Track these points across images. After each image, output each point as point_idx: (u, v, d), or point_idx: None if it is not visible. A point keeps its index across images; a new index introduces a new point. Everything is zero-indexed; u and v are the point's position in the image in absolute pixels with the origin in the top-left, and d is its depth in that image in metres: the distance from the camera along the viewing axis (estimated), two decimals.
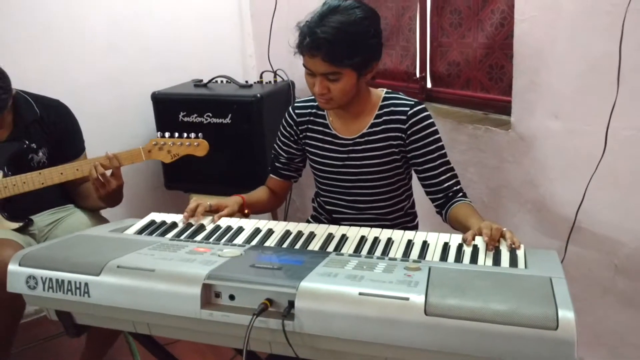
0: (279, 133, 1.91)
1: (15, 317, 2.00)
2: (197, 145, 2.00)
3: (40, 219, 2.14)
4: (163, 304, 1.21)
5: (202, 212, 1.65)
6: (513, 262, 1.30)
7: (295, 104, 1.89)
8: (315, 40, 1.54)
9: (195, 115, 2.68)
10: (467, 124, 2.23)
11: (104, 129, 2.77)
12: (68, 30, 2.70)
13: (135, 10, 2.87)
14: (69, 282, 1.27)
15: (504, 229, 1.42)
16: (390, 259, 1.31)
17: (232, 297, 1.20)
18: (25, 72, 2.50)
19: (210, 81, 2.88)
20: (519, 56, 2.00)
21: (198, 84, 2.88)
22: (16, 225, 2.04)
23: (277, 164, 1.94)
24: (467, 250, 1.37)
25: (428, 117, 1.73)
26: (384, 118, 1.74)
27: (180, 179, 2.84)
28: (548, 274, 1.19)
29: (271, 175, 1.97)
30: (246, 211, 1.81)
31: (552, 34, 1.89)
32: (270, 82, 2.88)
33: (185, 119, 2.70)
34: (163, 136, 2.02)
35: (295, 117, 1.86)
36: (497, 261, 1.31)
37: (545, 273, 1.20)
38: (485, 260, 1.32)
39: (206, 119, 2.68)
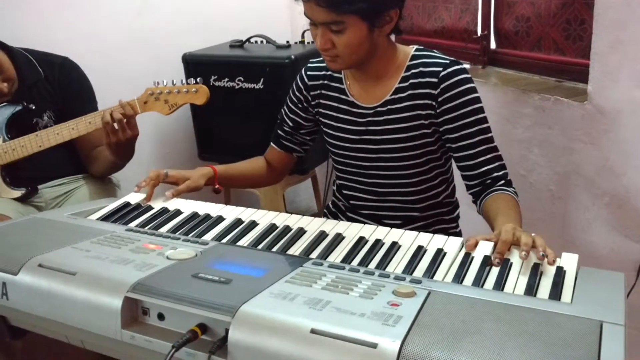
0: (287, 97, 1.61)
1: None
2: (195, 92, 1.75)
3: (49, 191, 1.97)
4: (81, 317, 0.96)
5: (152, 184, 1.43)
6: (555, 291, 0.92)
7: (309, 65, 1.57)
8: None
9: (227, 79, 2.43)
10: (534, 93, 1.80)
11: (132, 93, 2.56)
12: None
13: None
14: None
15: (537, 239, 1.02)
16: (382, 274, 0.97)
17: (161, 317, 0.93)
18: (51, 31, 2.38)
19: (246, 41, 2.59)
20: (601, 5, 1.55)
21: (234, 44, 2.60)
22: (18, 193, 1.89)
23: (279, 132, 1.66)
24: (495, 268, 1.00)
25: (467, 80, 1.35)
26: (411, 81, 1.38)
27: (213, 150, 2.61)
28: (600, 315, 0.82)
29: (271, 144, 1.68)
30: (217, 186, 1.55)
31: None
32: (312, 42, 2.55)
33: (217, 84, 2.45)
34: (159, 84, 1.80)
35: (306, 80, 1.55)
36: (531, 288, 0.93)
37: (595, 314, 0.83)
38: (516, 285, 0.95)
39: (237, 84, 2.41)
